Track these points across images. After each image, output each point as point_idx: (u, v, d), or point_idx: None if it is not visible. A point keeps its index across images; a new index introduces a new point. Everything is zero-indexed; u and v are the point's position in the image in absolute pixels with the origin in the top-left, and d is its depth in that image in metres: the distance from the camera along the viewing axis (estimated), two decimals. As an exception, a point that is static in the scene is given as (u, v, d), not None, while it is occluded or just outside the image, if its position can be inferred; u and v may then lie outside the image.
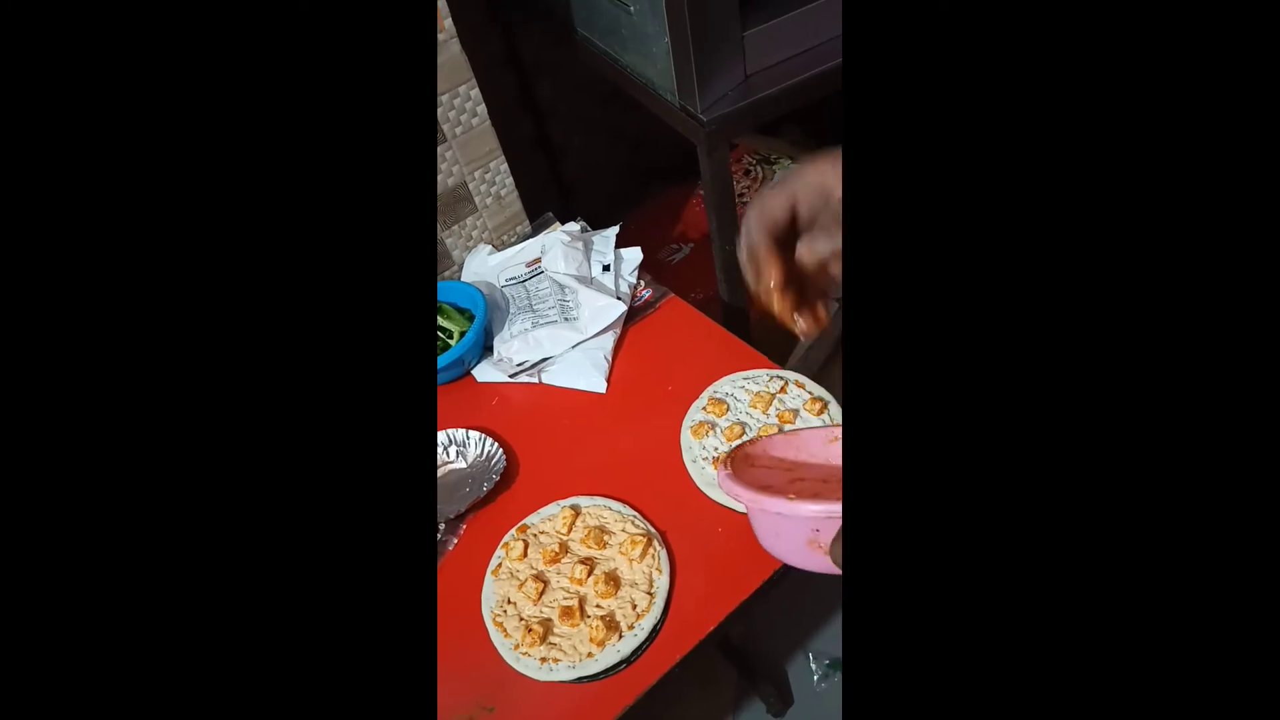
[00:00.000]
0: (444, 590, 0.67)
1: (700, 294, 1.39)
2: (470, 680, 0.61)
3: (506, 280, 0.93)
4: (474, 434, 0.78)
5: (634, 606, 0.62)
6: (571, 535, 0.68)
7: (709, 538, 0.66)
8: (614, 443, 0.76)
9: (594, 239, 0.93)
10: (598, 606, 0.62)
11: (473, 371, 0.86)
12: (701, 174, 0.89)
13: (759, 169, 1.70)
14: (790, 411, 0.74)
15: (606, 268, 0.90)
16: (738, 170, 1.72)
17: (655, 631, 0.61)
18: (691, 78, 0.80)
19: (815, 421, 0.72)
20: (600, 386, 0.81)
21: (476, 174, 0.94)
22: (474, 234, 0.98)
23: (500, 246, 0.99)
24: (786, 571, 0.63)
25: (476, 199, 0.96)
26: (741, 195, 1.64)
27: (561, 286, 0.88)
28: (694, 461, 0.72)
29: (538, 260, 0.92)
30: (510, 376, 0.84)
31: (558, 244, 0.90)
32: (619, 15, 0.86)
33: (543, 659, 0.60)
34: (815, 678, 1.22)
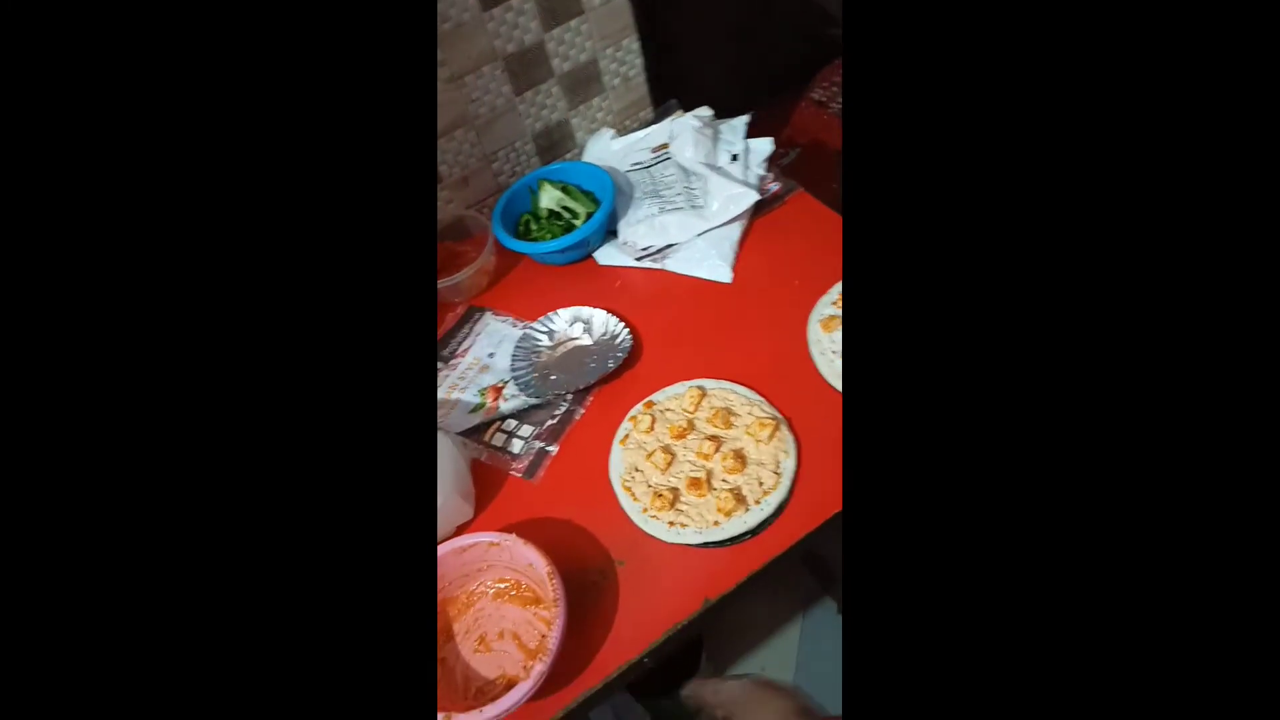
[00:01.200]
0: (574, 457, 0.71)
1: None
2: (602, 538, 0.65)
3: (631, 165, 0.92)
4: (599, 312, 0.79)
5: (760, 484, 0.64)
6: (698, 414, 0.70)
7: (836, 428, 0.67)
8: (739, 332, 0.77)
9: (722, 127, 0.91)
10: (724, 480, 0.65)
11: (595, 254, 0.87)
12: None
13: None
14: (925, 312, 0.72)
15: (735, 157, 0.88)
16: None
17: (781, 508, 0.63)
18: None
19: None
20: (726, 276, 0.81)
21: (608, 51, 0.92)
22: (599, 116, 0.97)
23: (623, 131, 0.97)
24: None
25: (605, 78, 0.94)
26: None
27: (688, 173, 0.87)
28: (822, 354, 0.72)
29: (664, 146, 0.91)
30: (636, 260, 0.84)
31: (688, 129, 0.88)
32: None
33: (670, 522, 0.63)
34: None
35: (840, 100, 1.58)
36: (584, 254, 0.87)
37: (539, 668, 0.53)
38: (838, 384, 0.69)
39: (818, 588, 1.26)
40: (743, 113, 0.92)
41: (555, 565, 0.58)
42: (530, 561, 0.59)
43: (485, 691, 0.58)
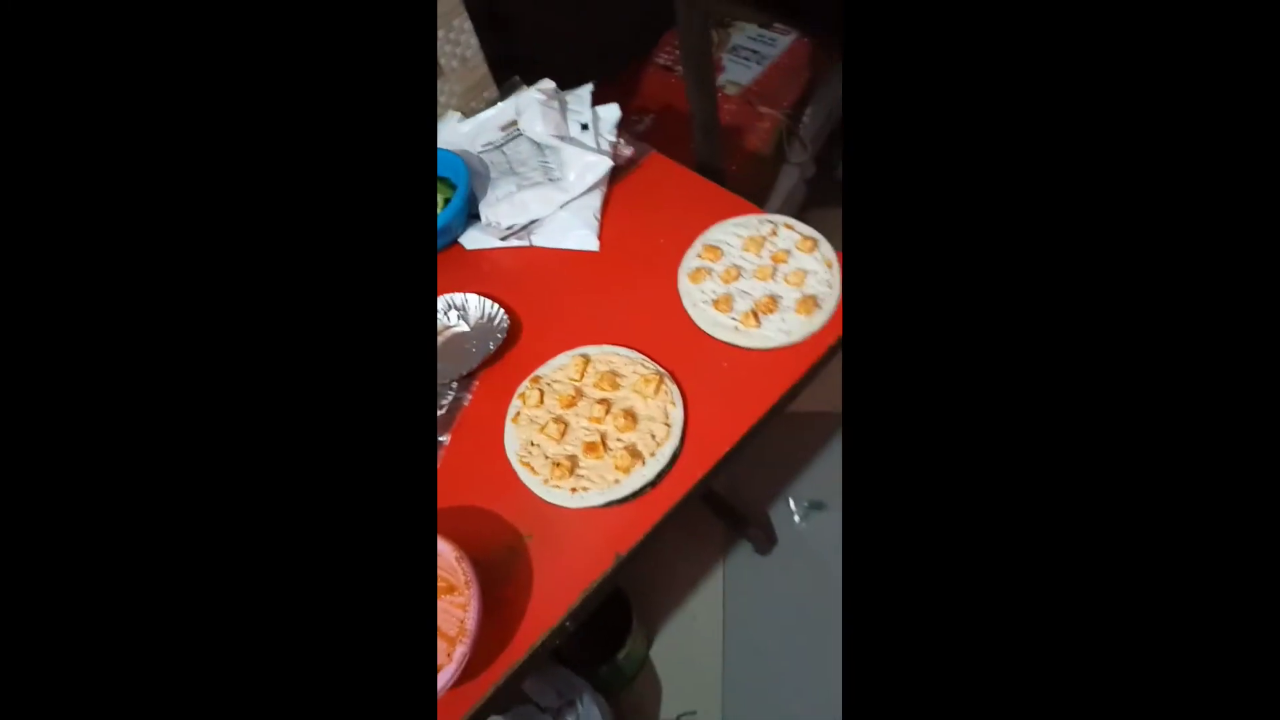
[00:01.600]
0: (468, 442, 0.70)
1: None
2: (506, 515, 0.65)
3: (483, 146, 0.91)
4: (472, 296, 0.79)
5: (653, 437, 0.66)
6: (584, 381, 0.71)
7: (715, 372, 0.70)
8: (613, 296, 0.78)
9: (568, 98, 0.91)
10: (618, 440, 0.66)
11: (460, 240, 0.86)
12: (680, 26, 0.87)
13: (713, 32, 1.65)
14: (783, 252, 0.76)
15: (585, 126, 0.88)
16: (692, 36, 1.66)
17: (675, 457, 0.65)
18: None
19: (808, 261, 0.75)
20: (593, 244, 0.82)
21: (440, 34, 0.90)
22: (441, 100, 0.95)
23: (469, 114, 0.96)
24: (774, 414, 0.68)
25: (442, 61, 0.92)
26: (699, 62, 1.60)
27: (541, 147, 0.87)
28: (694, 305, 0.74)
29: (513, 123, 0.90)
30: (501, 240, 0.84)
31: (534, 103, 0.87)
32: None
33: (573, 489, 0.64)
34: (796, 518, 1.32)
35: (684, 63, 1.61)
36: (449, 240, 0.86)
37: (460, 650, 0.53)
38: (712, 331, 0.72)
39: (730, 533, 1.32)
40: (590, 83, 0.93)
41: (463, 549, 0.57)
42: (437, 551, 0.59)
43: (411, 688, 0.57)
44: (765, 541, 1.29)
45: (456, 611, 0.60)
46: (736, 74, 1.55)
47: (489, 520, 0.65)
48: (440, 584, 0.62)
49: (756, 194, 1.24)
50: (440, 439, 0.71)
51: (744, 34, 1.61)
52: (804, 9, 1.52)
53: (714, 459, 0.65)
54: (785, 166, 1.58)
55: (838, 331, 0.70)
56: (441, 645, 0.59)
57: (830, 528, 1.30)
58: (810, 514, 1.33)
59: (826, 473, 1.37)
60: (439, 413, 0.72)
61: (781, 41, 1.54)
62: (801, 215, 1.30)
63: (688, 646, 1.22)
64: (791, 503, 1.33)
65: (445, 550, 0.58)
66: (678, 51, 1.63)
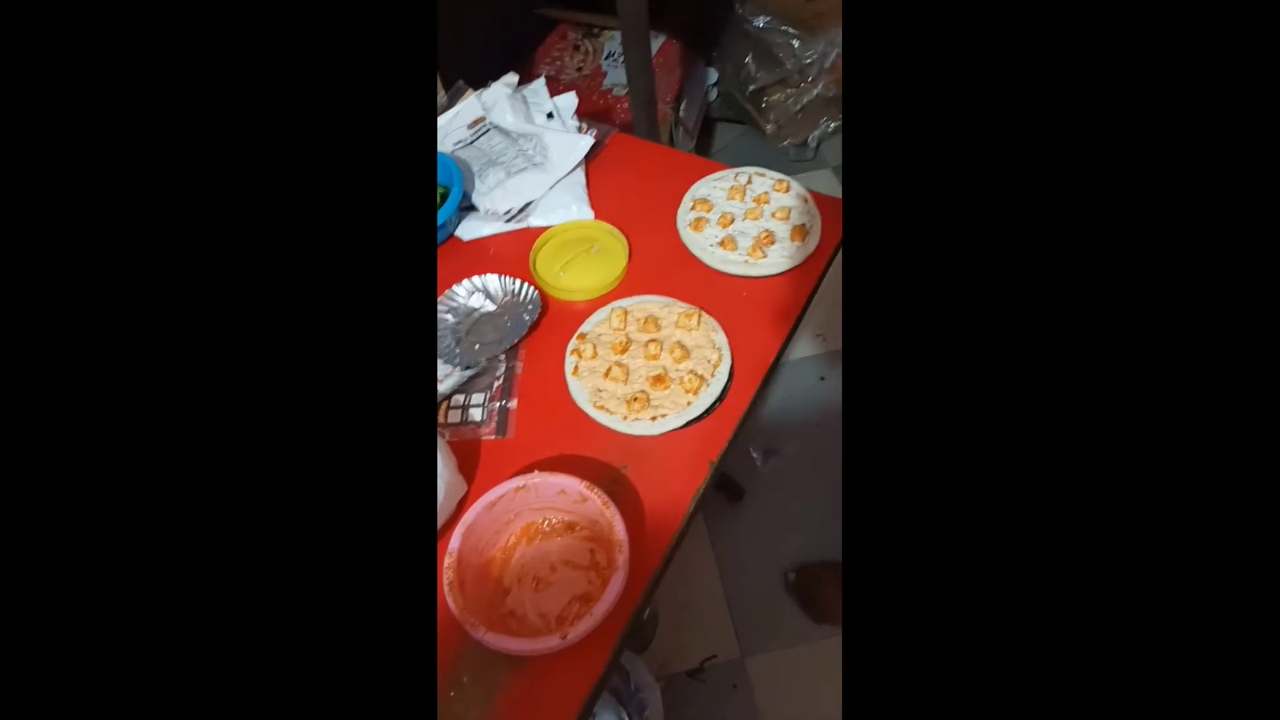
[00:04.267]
0: (535, 403, 0.74)
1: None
2: (598, 455, 0.70)
3: (454, 145, 0.94)
4: (491, 277, 0.82)
5: (708, 360, 0.74)
6: (628, 329, 0.77)
7: (740, 301, 0.80)
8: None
9: (526, 92, 0.97)
10: (678, 369, 0.74)
11: (456, 233, 0.89)
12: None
13: (586, 43, 1.76)
14: (763, 194, 0.88)
15: (550, 115, 0.95)
16: (565, 46, 1.76)
17: (731, 373, 0.74)
18: (607, -87, 0.86)
19: (787, 199, 0.87)
20: (588, 214, 0.89)
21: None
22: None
23: (425, 119, 0.98)
24: (799, 323, 0.79)
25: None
26: (580, 68, 1.70)
27: (515, 137, 0.92)
28: (703, 250, 0.83)
29: (480, 120, 0.95)
30: (506, 223, 0.88)
31: (501, 98, 0.93)
32: None
33: (652, 417, 0.71)
34: (759, 464, 1.45)
35: (571, 69, 1.71)
36: (446, 235, 0.88)
37: (621, 557, 0.58)
38: (725, 269, 0.82)
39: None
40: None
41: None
42: (560, 488, 0.63)
43: (565, 616, 0.61)
44: (736, 489, 1.40)
45: (584, 545, 0.65)
46: (617, 77, 1.66)
47: (582, 463, 0.70)
48: (558, 526, 0.66)
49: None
50: (509, 404, 0.74)
51: (615, 41, 1.73)
52: (665, 16, 1.67)
53: (765, 367, 0.74)
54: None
55: (829, 248, 0.83)
56: (581, 575, 0.63)
57: (786, 467, 1.44)
58: (769, 457, 1.46)
59: (774, 420, 1.50)
60: (498, 382, 0.76)
61: (653, 44, 1.68)
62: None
63: (692, 599, 1.29)
64: (752, 451, 1.46)
65: (569, 483, 0.62)
66: (558, 60, 1.72)
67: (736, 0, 1.67)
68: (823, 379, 1.56)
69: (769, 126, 1.79)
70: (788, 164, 1.91)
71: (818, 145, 1.89)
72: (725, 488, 1.39)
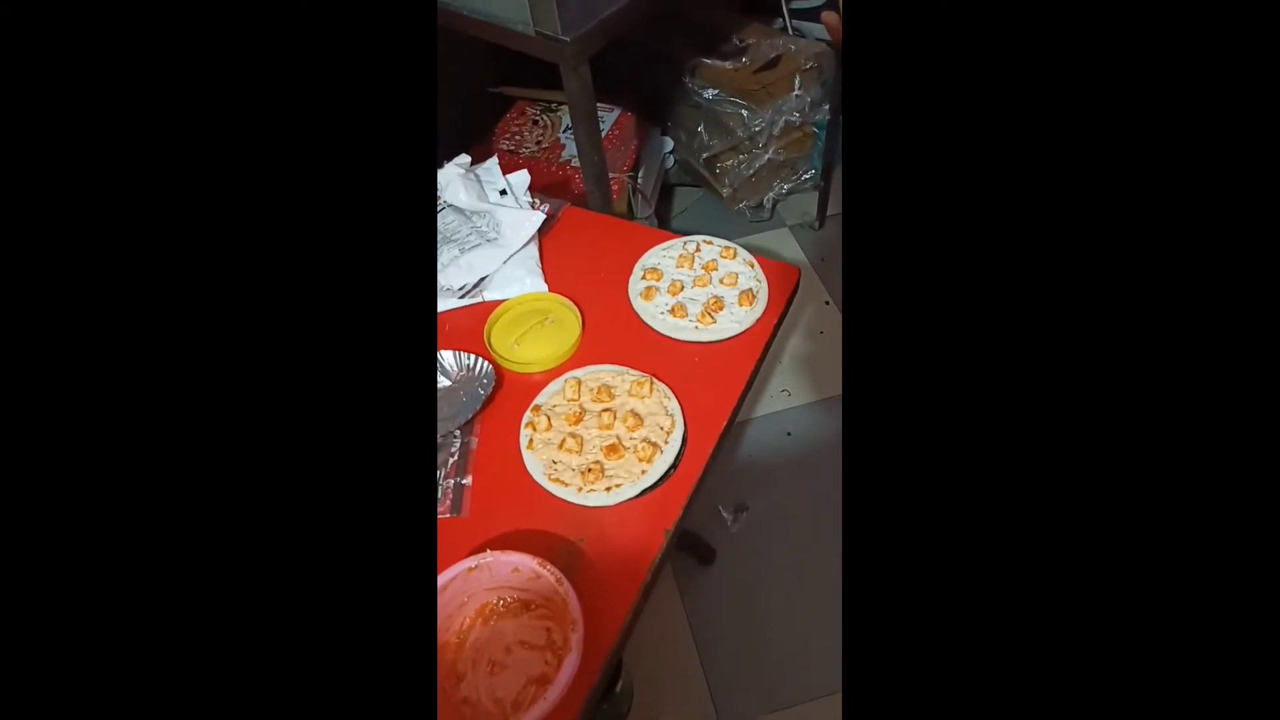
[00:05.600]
0: (491, 477, 0.74)
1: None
2: (554, 528, 0.70)
3: (409, 223, 0.96)
4: (446, 353, 0.83)
5: (661, 427, 0.75)
6: (581, 399, 0.78)
7: (691, 366, 0.81)
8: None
9: (479, 171, 1.00)
10: (632, 438, 0.74)
11: (410, 309, 0.90)
12: (567, 91, 1.00)
13: (545, 118, 1.82)
14: (711, 262, 0.90)
15: (503, 192, 0.98)
16: (524, 121, 1.82)
17: (684, 439, 0.75)
18: (550, 6, 0.91)
19: (734, 265, 0.90)
20: (542, 287, 0.90)
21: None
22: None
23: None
24: (749, 386, 0.80)
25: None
26: (539, 141, 1.76)
27: (469, 214, 0.95)
28: (654, 319, 0.85)
29: (436, 199, 0.97)
30: (459, 300, 0.89)
31: (455, 178, 0.95)
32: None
33: (607, 488, 0.71)
34: (729, 522, 1.44)
35: (531, 143, 1.76)
36: (400, 312, 0.89)
37: (575, 636, 0.57)
38: (676, 335, 0.84)
39: (675, 555, 1.40)
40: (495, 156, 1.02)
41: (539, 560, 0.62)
42: (514, 566, 0.62)
43: (520, 701, 0.60)
44: (707, 553, 1.39)
45: (539, 624, 0.64)
46: (576, 149, 1.72)
47: (538, 538, 0.69)
48: (514, 606, 0.65)
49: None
50: (464, 481, 0.74)
51: (572, 114, 1.79)
52: (619, 91, 1.74)
53: (718, 431, 0.75)
54: (635, 219, 1.76)
55: (776, 312, 0.85)
56: (537, 656, 0.62)
57: (757, 523, 1.43)
58: (739, 515, 1.45)
59: (742, 477, 1.50)
60: (452, 459, 0.75)
61: (609, 117, 1.74)
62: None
63: (666, 665, 1.27)
64: (722, 510, 1.45)
65: (524, 561, 0.62)
66: (517, 135, 1.77)
67: (686, 74, 1.75)
68: (789, 434, 1.57)
69: (725, 190, 1.85)
70: (745, 224, 1.96)
71: (773, 206, 1.95)
72: (696, 550, 1.38)
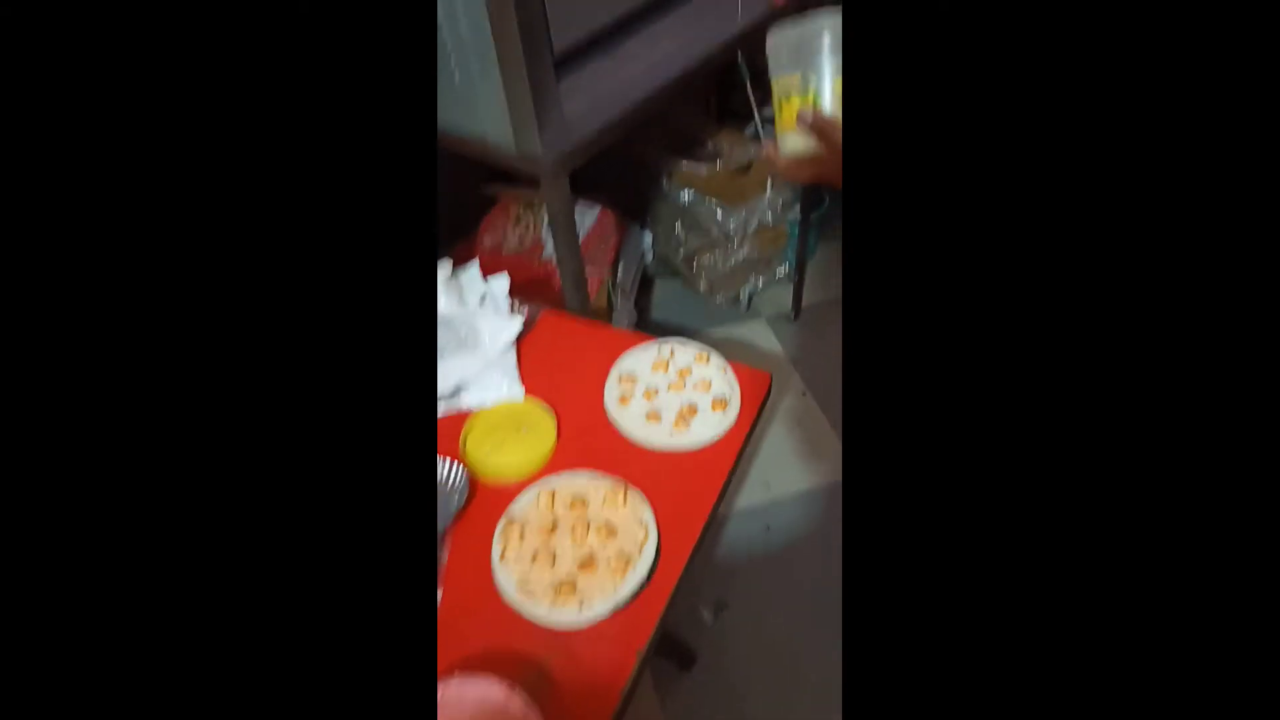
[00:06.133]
0: (460, 593, 0.73)
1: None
2: (522, 648, 0.68)
3: (388, 328, 0.97)
4: (421, 462, 0.83)
5: (635, 539, 0.74)
6: (555, 509, 0.78)
7: (665, 475, 0.81)
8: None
9: (460, 276, 1.02)
10: (605, 550, 0.74)
11: (386, 415, 0.90)
12: (547, 204, 1.04)
13: (527, 214, 1.88)
14: (685, 367, 0.92)
15: (484, 298, 1.00)
16: (508, 219, 1.88)
17: (658, 551, 0.74)
18: (531, 125, 0.96)
19: (708, 371, 0.92)
20: (519, 393, 0.91)
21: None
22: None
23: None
24: (723, 495, 0.81)
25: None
26: (521, 238, 1.81)
27: (448, 320, 0.96)
28: (628, 424, 0.86)
29: (414, 304, 0.99)
30: (438, 404, 0.90)
31: (438, 282, 0.97)
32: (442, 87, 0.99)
33: (579, 605, 0.70)
34: (708, 619, 1.41)
35: (513, 240, 1.81)
36: (376, 418, 0.89)
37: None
38: (651, 443, 0.84)
39: (655, 661, 1.36)
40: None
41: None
42: (480, 696, 0.60)
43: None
44: (686, 658, 1.35)
45: (506, 753, 0.61)
46: (557, 244, 1.77)
47: (507, 659, 0.67)
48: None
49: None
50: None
51: (554, 212, 1.86)
52: (600, 189, 1.81)
53: (692, 542, 0.75)
54: (614, 315, 1.79)
55: (749, 418, 0.86)
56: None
57: (737, 620, 1.40)
58: (719, 610, 1.42)
59: (721, 573, 1.48)
60: (422, 574, 0.74)
61: (590, 213, 1.80)
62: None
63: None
64: (701, 609, 1.42)
65: (492, 689, 0.60)
66: (500, 231, 1.82)
67: (664, 176, 1.82)
68: (769, 528, 1.56)
69: (703, 285, 1.90)
70: (723, 316, 2.01)
71: (749, 299, 2.01)
72: (675, 654, 1.34)
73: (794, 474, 1.65)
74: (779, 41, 0.69)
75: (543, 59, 0.93)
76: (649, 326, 1.96)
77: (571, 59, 1.03)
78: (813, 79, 0.66)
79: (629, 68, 1.12)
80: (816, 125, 0.65)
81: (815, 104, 0.66)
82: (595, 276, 1.72)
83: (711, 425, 0.85)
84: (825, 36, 0.65)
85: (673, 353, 0.94)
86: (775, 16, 1.43)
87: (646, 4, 1.13)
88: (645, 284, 2.07)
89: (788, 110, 0.69)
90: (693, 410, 0.86)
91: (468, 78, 0.96)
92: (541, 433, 0.86)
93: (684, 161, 1.84)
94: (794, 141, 0.68)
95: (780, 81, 0.69)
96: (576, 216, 1.83)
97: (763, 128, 2.08)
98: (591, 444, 0.85)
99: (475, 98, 0.98)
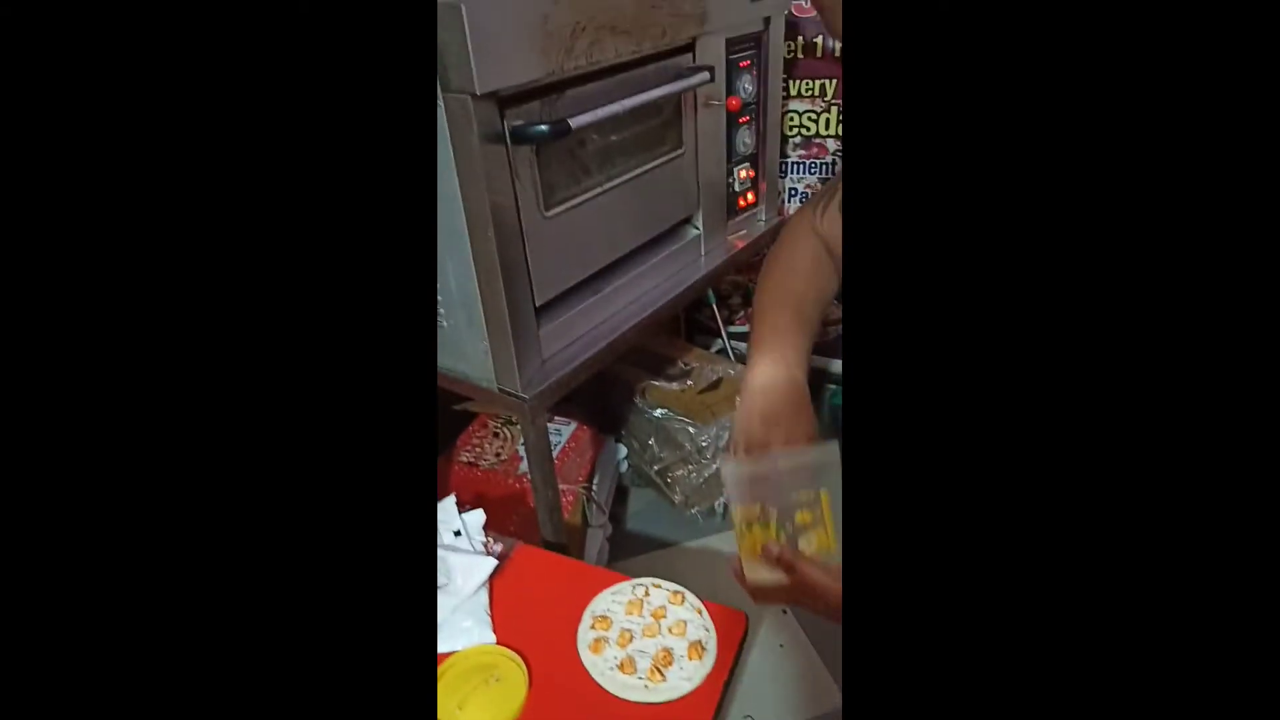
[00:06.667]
0: None
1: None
2: None
3: (360, 567, 0.96)
4: None
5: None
6: (524, 778, 0.73)
7: (640, 733, 0.78)
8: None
9: (436, 509, 1.04)
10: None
11: (350, 665, 0.86)
12: (525, 438, 1.09)
13: (505, 430, 1.93)
14: (660, 608, 0.91)
15: (457, 533, 1.00)
16: (485, 434, 1.92)
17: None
18: (513, 368, 1.03)
19: (682, 611, 0.91)
20: (490, 637, 0.89)
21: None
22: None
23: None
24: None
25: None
26: (498, 453, 1.84)
27: (422, 559, 0.96)
28: (602, 675, 0.83)
29: (388, 541, 0.99)
30: (402, 654, 0.87)
31: (410, 521, 0.98)
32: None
33: None
34: None
35: (490, 455, 1.84)
36: (338, 669, 0.86)
37: None
38: (625, 695, 0.81)
39: None
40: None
41: None
42: None
43: None
44: None
45: None
46: (533, 460, 1.80)
47: None
48: None
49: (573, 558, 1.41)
50: None
51: (531, 427, 1.91)
52: (576, 405, 1.88)
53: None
54: (590, 530, 1.78)
55: (726, 664, 0.84)
56: None
57: None
58: None
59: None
60: None
61: (565, 430, 1.86)
62: (610, 568, 1.47)
63: None
64: None
65: None
66: (477, 447, 1.86)
67: (637, 394, 1.91)
68: (755, 771, 1.44)
69: (677, 498, 1.92)
70: (698, 528, 2.00)
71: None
72: None
73: (778, 701, 1.56)
74: (737, 474, 0.70)
75: (525, 313, 1.03)
76: (625, 538, 1.94)
77: (551, 306, 1.14)
78: (773, 512, 0.67)
79: (604, 309, 1.23)
80: (784, 561, 0.63)
81: (779, 536, 0.67)
82: (571, 492, 1.73)
83: (686, 675, 0.83)
84: (782, 471, 0.66)
85: (647, 592, 0.94)
86: (734, 260, 1.60)
87: (621, 256, 1.26)
88: (620, 493, 2.08)
89: (749, 540, 0.69)
90: (668, 657, 0.84)
91: (455, 326, 1.05)
92: (512, 685, 0.83)
93: (655, 380, 1.94)
94: (762, 574, 0.66)
95: (741, 511, 0.70)
96: (552, 433, 1.89)
97: (729, 343, 2.22)
98: (564, 697, 0.82)
99: (461, 344, 1.06)
